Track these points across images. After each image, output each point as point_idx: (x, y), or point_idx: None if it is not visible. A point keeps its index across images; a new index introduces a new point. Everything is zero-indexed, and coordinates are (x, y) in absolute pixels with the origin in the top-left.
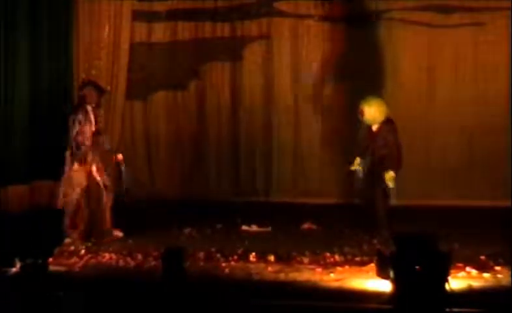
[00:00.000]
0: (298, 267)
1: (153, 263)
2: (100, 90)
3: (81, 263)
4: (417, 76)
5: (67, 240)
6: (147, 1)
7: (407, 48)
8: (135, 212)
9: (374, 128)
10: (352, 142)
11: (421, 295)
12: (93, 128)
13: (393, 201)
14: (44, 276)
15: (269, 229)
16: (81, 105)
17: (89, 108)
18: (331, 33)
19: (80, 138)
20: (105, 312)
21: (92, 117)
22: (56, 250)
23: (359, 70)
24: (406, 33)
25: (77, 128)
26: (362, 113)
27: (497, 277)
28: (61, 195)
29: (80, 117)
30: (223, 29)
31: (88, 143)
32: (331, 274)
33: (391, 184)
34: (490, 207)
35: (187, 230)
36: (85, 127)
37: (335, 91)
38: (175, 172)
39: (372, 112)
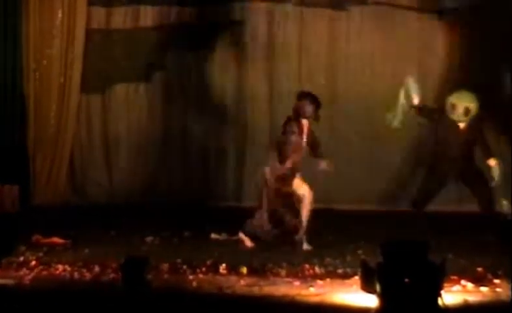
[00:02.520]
0: (273, 280)
1: (112, 275)
2: (317, 104)
3: (31, 276)
4: (406, 65)
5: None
6: None
7: (395, 35)
8: (92, 218)
9: (462, 125)
10: (335, 141)
11: (410, 310)
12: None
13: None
14: None
15: None
16: (296, 118)
17: (304, 121)
18: (310, 19)
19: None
20: None
21: (305, 130)
22: (3, 261)
23: (340, 59)
24: (395, 18)
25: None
26: (453, 108)
27: (495, 291)
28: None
29: (294, 129)
30: (191, 14)
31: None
32: (311, 288)
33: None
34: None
35: (149, 238)
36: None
37: (315, 84)
38: (137, 174)
39: (465, 107)
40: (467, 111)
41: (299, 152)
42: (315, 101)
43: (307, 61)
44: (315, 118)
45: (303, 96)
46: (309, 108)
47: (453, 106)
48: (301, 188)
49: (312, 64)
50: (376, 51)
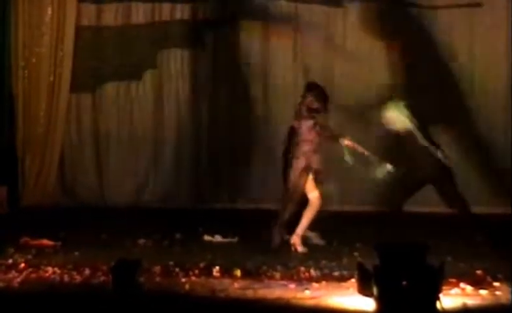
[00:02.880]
0: (268, 283)
1: (102, 278)
2: (325, 98)
3: (20, 278)
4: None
5: None
6: None
7: (395, 31)
8: (83, 220)
9: (401, 133)
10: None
11: None
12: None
13: None
14: None
15: (235, 239)
16: (312, 113)
17: (316, 116)
18: (306, 15)
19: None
20: None
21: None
22: None
23: (337, 56)
24: (394, 14)
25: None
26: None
27: (495, 294)
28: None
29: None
30: (183, 11)
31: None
32: (306, 291)
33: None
34: (487, 214)
35: (141, 241)
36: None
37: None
38: (128, 175)
39: (392, 119)
40: (387, 121)
41: (312, 148)
42: (322, 96)
43: (303, 59)
44: (325, 112)
45: (310, 89)
46: (318, 105)
47: (383, 118)
48: (311, 192)
49: (308, 62)
50: (373, 47)
